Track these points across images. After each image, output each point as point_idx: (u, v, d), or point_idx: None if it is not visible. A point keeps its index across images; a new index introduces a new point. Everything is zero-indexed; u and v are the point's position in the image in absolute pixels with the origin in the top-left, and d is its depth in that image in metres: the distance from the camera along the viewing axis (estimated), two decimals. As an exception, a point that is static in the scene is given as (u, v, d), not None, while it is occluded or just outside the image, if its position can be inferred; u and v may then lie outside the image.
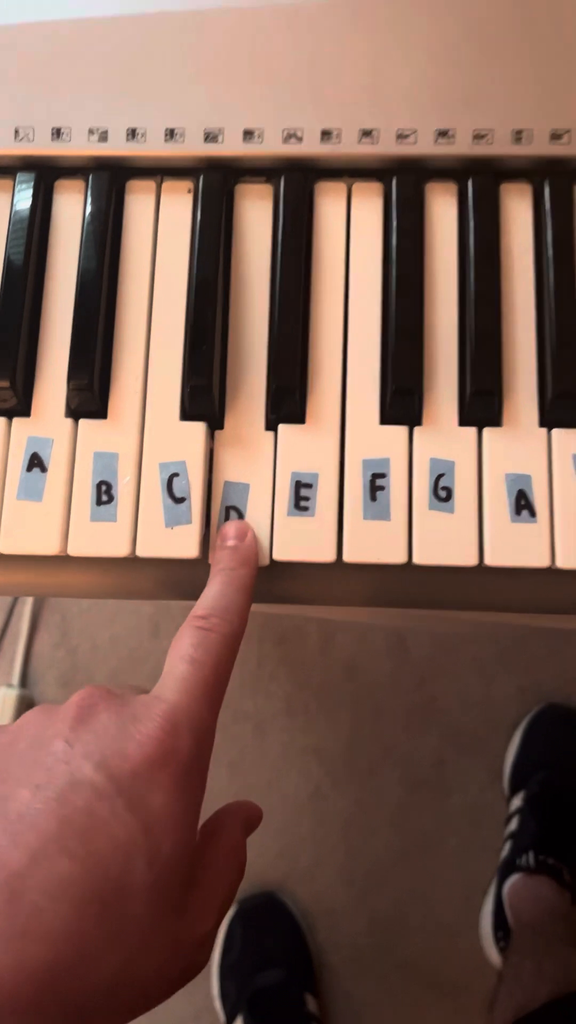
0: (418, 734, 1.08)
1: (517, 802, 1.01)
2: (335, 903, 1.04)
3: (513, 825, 1.00)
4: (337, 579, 0.38)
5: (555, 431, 0.37)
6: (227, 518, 0.38)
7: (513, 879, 0.96)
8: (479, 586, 0.38)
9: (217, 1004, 1.01)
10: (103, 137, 0.39)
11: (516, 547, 0.36)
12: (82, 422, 0.38)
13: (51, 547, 0.37)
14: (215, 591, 0.35)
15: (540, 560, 0.36)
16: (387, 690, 1.09)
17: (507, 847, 1.00)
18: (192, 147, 0.39)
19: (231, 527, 0.37)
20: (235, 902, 1.03)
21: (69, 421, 0.38)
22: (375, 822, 1.06)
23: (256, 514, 0.37)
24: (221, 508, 0.38)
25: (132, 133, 0.39)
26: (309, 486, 0.37)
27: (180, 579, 0.38)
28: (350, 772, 1.07)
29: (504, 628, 1.09)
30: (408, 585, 0.38)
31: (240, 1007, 0.97)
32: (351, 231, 0.40)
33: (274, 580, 0.38)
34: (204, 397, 0.37)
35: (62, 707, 0.32)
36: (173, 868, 0.29)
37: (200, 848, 0.32)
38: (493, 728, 1.07)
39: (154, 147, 0.39)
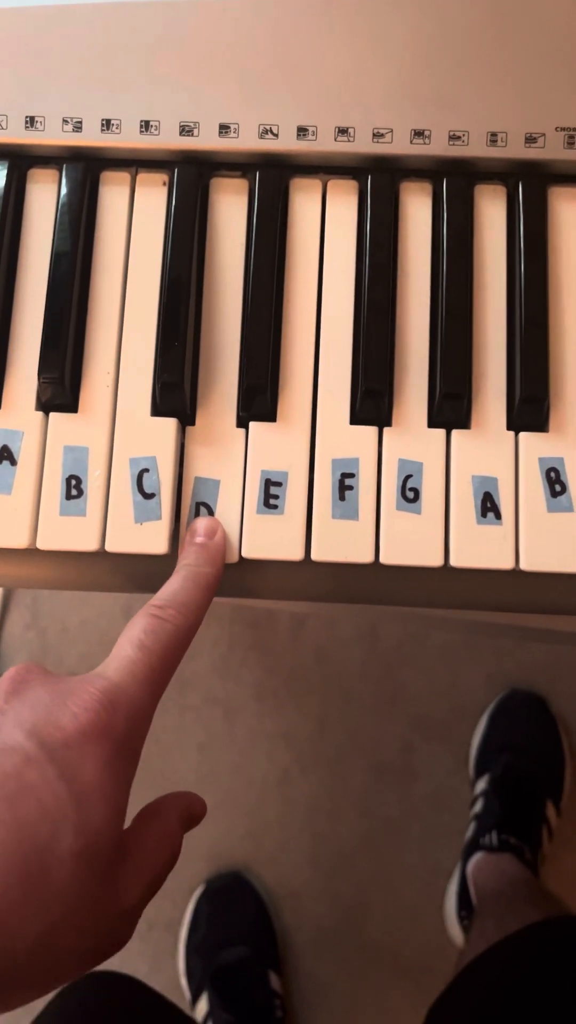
0: (386, 721, 1.09)
1: (482, 785, 1.03)
2: (300, 885, 1.05)
3: (478, 807, 1.02)
4: (305, 575, 0.38)
5: (522, 434, 0.38)
6: (197, 514, 0.38)
7: (476, 857, 0.98)
8: (445, 585, 0.38)
9: (183, 981, 1.02)
10: (77, 127, 0.38)
11: (481, 549, 0.37)
12: (52, 415, 0.38)
13: (20, 540, 0.37)
14: (176, 586, 0.35)
15: (504, 562, 0.37)
16: (356, 677, 1.10)
17: (471, 828, 1.02)
18: (167, 140, 0.39)
19: (201, 523, 0.37)
20: (202, 882, 1.04)
21: (39, 414, 0.38)
22: (341, 807, 1.07)
23: (226, 510, 0.38)
24: (191, 504, 0.38)
25: (107, 124, 0.38)
26: (279, 484, 0.38)
27: (150, 573, 0.38)
28: (318, 757, 1.08)
29: (473, 617, 1.10)
30: (375, 582, 0.38)
31: (205, 984, 0.98)
32: (325, 229, 0.40)
33: (243, 575, 0.38)
34: (175, 393, 0.37)
35: None
36: (102, 838, 0.29)
37: (133, 829, 0.33)
38: (459, 716, 1.08)
39: (129, 139, 0.38)
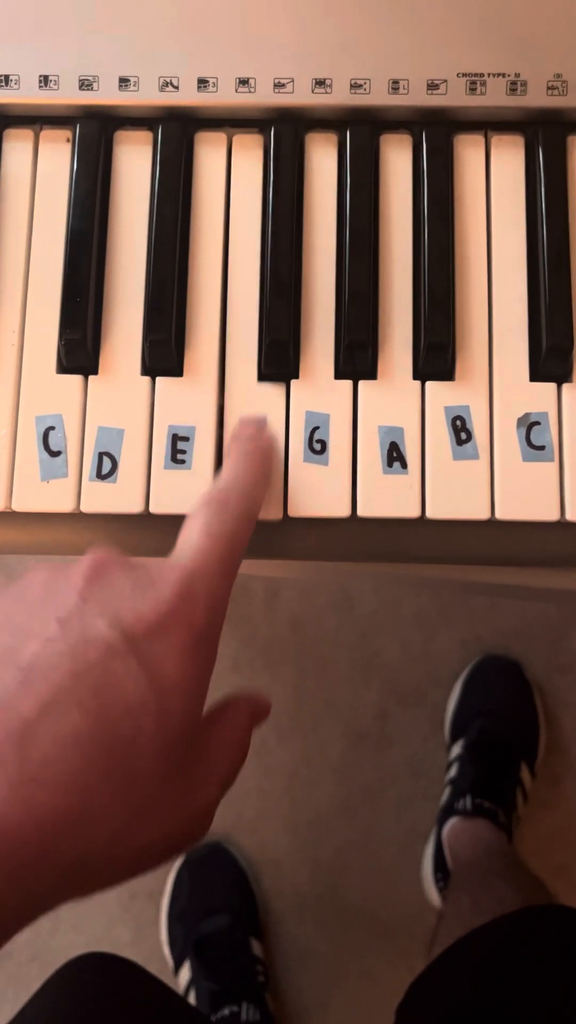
0: (361, 688, 1.09)
1: (456, 749, 1.04)
2: (279, 852, 1.06)
3: (452, 772, 1.03)
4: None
5: (428, 383, 0.38)
6: (100, 464, 0.37)
7: (451, 822, 0.98)
8: (357, 537, 0.38)
9: (166, 950, 1.03)
10: (-25, 84, 0.38)
11: (387, 498, 0.37)
12: (-42, 376, 0.38)
13: None
14: (232, 473, 0.35)
15: (410, 511, 0.37)
16: (331, 645, 1.10)
17: (446, 793, 1.02)
18: (67, 95, 0.38)
19: (247, 420, 0.37)
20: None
21: (-55, 375, 0.38)
22: (318, 774, 1.08)
23: (131, 461, 0.37)
24: (94, 453, 0.37)
25: (5, 80, 0.38)
26: (186, 439, 0.38)
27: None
28: (294, 726, 1.09)
29: (446, 583, 1.10)
30: (290, 537, 0.38)
31: (188, 951, 0.99)
32: (231, 182, 0.40)
33: (153, 531, 0.38)
34: (79, 351, 0.37)
35: (73, 565, 0.31)
36: (181, 732, 0.29)
37: (206, 725, 0.32)
38: (435, 681, 1.09)
39: (28, 94, 0.38)
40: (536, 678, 1.08)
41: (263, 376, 0.38)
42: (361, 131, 0.39)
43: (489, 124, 0.39)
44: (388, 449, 0.37)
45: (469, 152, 0.39)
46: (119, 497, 0.37)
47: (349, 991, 1.04)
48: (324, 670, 1.10)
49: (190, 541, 0.32)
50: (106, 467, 0.37)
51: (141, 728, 0.28)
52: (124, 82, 0.38)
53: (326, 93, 0.38)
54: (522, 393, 0.37)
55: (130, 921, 1.06)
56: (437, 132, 0.39)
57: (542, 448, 0.37)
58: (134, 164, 0.40)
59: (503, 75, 0.37)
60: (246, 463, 0.35)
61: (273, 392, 0.38)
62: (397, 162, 0.39)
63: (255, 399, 0.38)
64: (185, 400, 0.38)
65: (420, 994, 0.59)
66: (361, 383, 0.38)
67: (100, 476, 0.37)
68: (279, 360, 0.38)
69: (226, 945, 0.99)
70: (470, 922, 0.64)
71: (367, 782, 1.08)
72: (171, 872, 1.05)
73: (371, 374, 0.38)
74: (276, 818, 1.07)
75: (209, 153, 0.40)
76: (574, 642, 1.09)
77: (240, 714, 0.34)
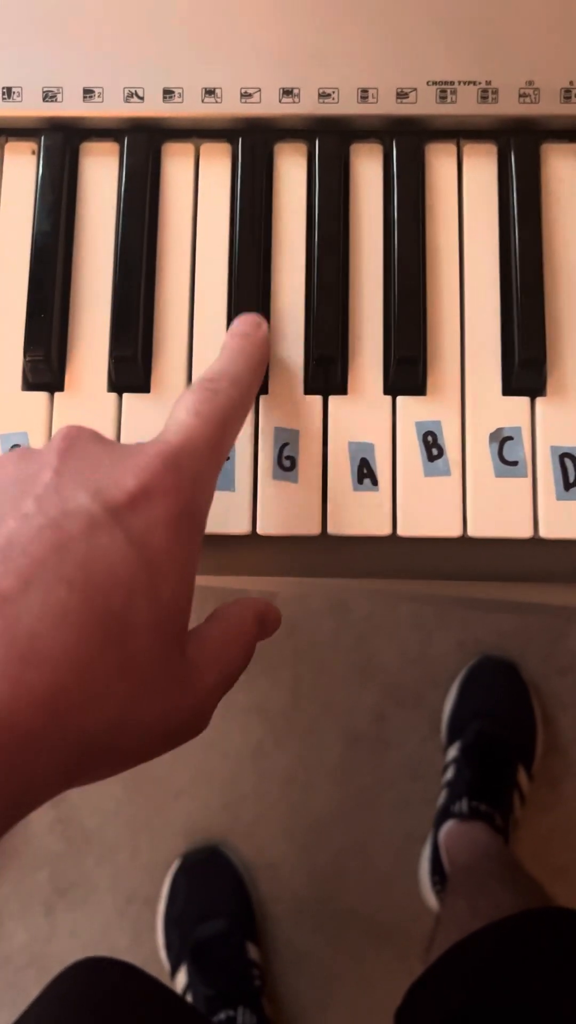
0: (358, 691, 1.09)
1: (453, 752, 1.03)
2: (276, 856, 1.06)
3: (449, 774, 1.02)
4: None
5: (400, 398, 0.37)
6: None
7: (448, 825, 0.98)
8: (328, 553, 0.38)
9: (162, 954, 1.03)
10: None
11: (357, 516, 0.36)
12: None
13: None
14: (225, 361, 0.33)
15: (381, 529, 0.36)
16: (328, 648, 1.10)
17: (443, 795, 1.02)
18: (31, 107, 0.38)
19: (244, 318, 0.36)
20: (179, 856, 1.05)
21: None
22: (316, 777, 1.08)
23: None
24: None
25: (-32, 93, 0.37)
26: (154, 457, 0.37)
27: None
28: (291, 729, 1.09)
29: (426, 597, 1.10)
30: (260, 553, 0.38)
31: (184, 956, 0.99)
32: (199, 194, 0.39)
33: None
34: (44, 367, 0.37)
35: (45, 445, 0.30)
36: (173, 610, 0.28)
37: (208, 621, 0.31)
38: (431, 683, 1.08)
39: (-9, 106, 0.38)
40: (533, 679, 1.08)
41: (232, 391, 0.37)
42: (330, 141, 0.38)
43: (461, 132, 0.38)
44: (358, 465, 0.36)
45: (440, 161, 0.38)
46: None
47: (346, 995, 1.04)
48: (321, 673, 1.09)
49: (176, 420, 0.30)
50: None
51: (133, 602, 0.26)
52: (88, 93, 0.38)
53: (294, 103, 0.37)
54: (495, 407, 0.37)
55: (127, 926, 1.06)
56: (408, 141, 0.38)
57: (515, 464, 0.36)
58: (100, 176, 0.39)
59: (474, 83, 0.37)
60: (239, 354, 0.34)
61: (242, 408, 0.37)
62: (368, 172, 0.39)
63: (224, 415, 0.37)
64: (153, 417, 0.37)
65: (418, 999, 0.59)
66: (331, 398, 0.37)
67: (66, 495, 0.36)
68: (247, 376, 0.37)
69: (223, 949, 0.99)
70: (467, 926, 0.64)
71: (364, 785, 1.07)
72: (168, 876, 1.05)
73: (341, 389, 0.37)
74: (273, 822, 1.07)
75: (176, 164, 0.39)
76: (571, 643, 1.08)
77: (246, 611, 0.32)
